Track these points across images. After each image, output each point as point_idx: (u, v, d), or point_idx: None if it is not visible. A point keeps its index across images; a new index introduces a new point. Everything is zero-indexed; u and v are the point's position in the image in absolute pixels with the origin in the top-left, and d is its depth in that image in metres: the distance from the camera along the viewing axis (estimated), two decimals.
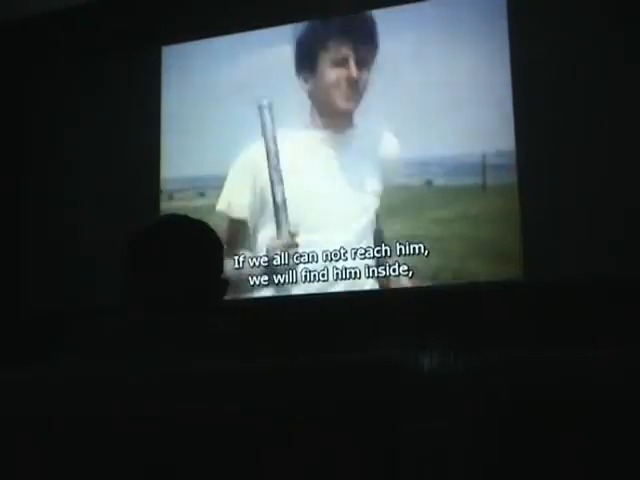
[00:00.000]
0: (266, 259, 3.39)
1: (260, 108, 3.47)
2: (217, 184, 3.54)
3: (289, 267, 3.35)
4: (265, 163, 3.45)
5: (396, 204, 3.29)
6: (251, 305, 3.40)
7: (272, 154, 3.43)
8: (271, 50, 3.57)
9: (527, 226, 3.06)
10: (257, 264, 3.40)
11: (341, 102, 3.40)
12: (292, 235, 3.36)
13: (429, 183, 3.25)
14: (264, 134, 3.45)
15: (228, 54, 3.66)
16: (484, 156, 3.16)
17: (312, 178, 3.40)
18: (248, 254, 3.42)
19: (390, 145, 3.32)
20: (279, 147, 3.43)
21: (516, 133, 3.12)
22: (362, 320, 3.11)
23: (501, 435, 0.82)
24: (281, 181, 3.40)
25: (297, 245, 3.34)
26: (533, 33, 3.19)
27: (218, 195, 3.53)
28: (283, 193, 3.39)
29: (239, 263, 3.44)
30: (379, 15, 3.43)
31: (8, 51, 4.00)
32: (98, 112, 3.89)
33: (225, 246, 1.43)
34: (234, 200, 3.49)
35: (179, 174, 3.66)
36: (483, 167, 3.16)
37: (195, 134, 3.66)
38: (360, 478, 0.85)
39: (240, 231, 3.45)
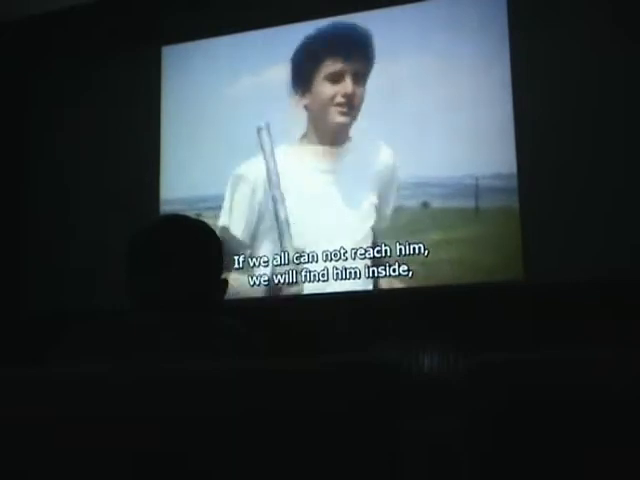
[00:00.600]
0: (266, 278, 3.40)
1: (258, 130, 3.49)
2: (216, 204, 3.56)
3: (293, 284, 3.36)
4: (263, 180, 3.46)
5: (393, 225, 3.28)
6: (251, 305, 3.40)
7: (273, 173, 3.45)
8: (269, 69, 3.58)
9: (527, 233, 3.07)
10: (257, 283, 3.42)
11: (337, 117, 3.41)
12: (297, 255, 3.36)
13: (425, 205, 3.24)
14: (264, 155, 3.47)
15: (228, 57, 3.67)
16: (477, 179, 3.16)
17: (308, 194, 3.40)
18: (243, 276, 3.43)
19: (386, 158, 3.32)
20: (278, 166, 3.45)
21: (516, 137, 3.12)
22: (362, 320, 3.11)
23: (501, 435, 0.82)
24: (283, 200, 3.41)
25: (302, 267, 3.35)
26: (533, 33, 3.19)
27: (215, 215, 3.53)
28: (286, 211, 3.39)
29: (239, 263, 3.45)
30: (379, 15, 3.44)
31: (8, 51, 4.00)
32: (98, 112, 3.89)
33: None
34: (233, 219, 3.49)
35: (178, 187, 3.66)
36: (476, 190, 3.16)
37: (195, 135, 3.66)
38: (361, 478, 0.85)
39: (236, 251, 3.45)
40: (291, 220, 3.39)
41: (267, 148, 3.47)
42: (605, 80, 3.06)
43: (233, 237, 3.45)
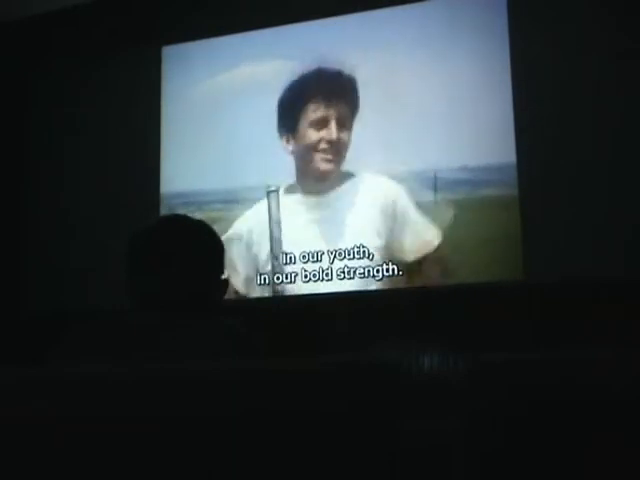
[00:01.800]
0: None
1: (268, 194, 3.45)
2: (217, 198, 3.56)
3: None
4: (258, 233, 3.44)
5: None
6: (251, 305, 3.40)
7: (276, 240, 3.41)
8: (269, 69, 3.56)
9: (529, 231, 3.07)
10: (258, 282, 3.42)
11: (322, 164, 3.37)
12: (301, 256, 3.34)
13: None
14: (269, 219, 3.43)
15: (228, 57, 3.66)
16: (435, 172, 3.18)
17: (295, 242, 3.36)
18: None
19: (386, 192, 3.27)
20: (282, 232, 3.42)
21: (516, 138, 3.12)
22: (362, 320, 3.11)
23: (501, 435, 0.82)
24: (282, 267, 3.37)
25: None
26: (533, 33, 3.19)
27: (213, 210, 3.53)
28: (283, 281, 3.36)
29: None
30: (378, 15, 3.44)
31: (7, 51, 4.00)
32: (98, 112, 3.89)
33: None
34: (233, 275, 3.44)
35: (178, 187, 3.65)
36: (435, 182, 3.18)
37: (195, 135, 3.66)
38: (361, 478, 0.85)
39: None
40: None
41: (274, 213, 3.43)
42: (604, 78, 3.05)
43: (235, 291, 3.42)
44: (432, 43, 3.33)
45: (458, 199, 3.18)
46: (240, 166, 3.54)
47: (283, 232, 3.40)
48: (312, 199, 3.39)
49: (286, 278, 3.37)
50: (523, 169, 3.10)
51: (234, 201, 3.53)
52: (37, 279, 3.84)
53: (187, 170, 3.65)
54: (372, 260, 3.25)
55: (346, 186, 3.34)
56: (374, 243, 3.24)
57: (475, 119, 3.19)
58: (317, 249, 3.32)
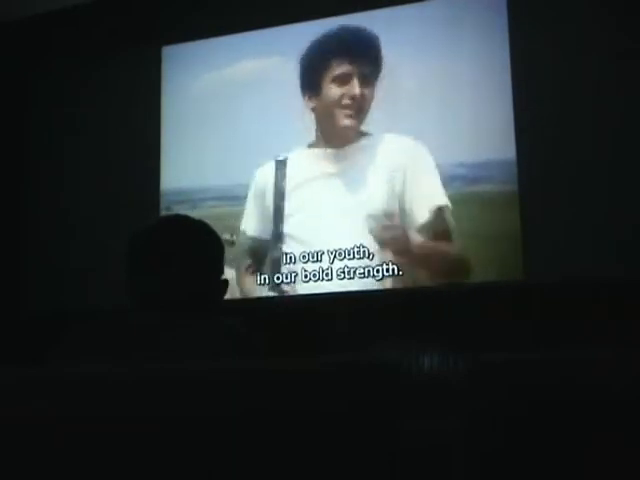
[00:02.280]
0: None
1: (276, 162, 3.45)
2: (214, 195, 3.57)
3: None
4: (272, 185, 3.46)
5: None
6: (251, 305, 3.40)
7: (279, 209, 3.41)
8: (269, 69, 3.57)
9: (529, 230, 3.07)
10: (260, 282, 3.42)
11: (344, 120, 3.37)
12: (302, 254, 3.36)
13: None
14: (274, 189, 3.44)
15: (228, 57, 3.67)
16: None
17: (316, 198, 3.37)
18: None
19: (401, 151, 3.28)
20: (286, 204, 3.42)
21: (516, 138, 3.12)
22: (362, 320, 3.11)
23: (501, 435, 0.82)
24: (281, 239, 3.38)
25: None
26: (533, 33, 3.19)
27: (210, 207, 3.54)
28: (283, 281, 3.36)
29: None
30: (379, 15, 3.44)
31: (7, 51, 4.00)
32: (98, 112, 3.89)
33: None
34: (249, 221, 3.47)
35: (179, 188, 3.65)
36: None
37: (195, 135, 3.66)
38: (361, 478, 0.85)
39: (261, 249, 3.44)
40: (295, 224, 3.37)
41: (279, 183, 3.44)
42: (604, 78, 3.05)
43: (251, 238, 3.44)
44: (432, 43, 3.33)
45: (460, 197, 3.18)
46: (240, 166, 3.54)
47: (301, 188, 3.40)
48: (332, 152, 3.38)
49: (286, 278, 3.37)
50: (523, 169, 3.10)
51: (236, 197, 3.53)
52: (37, 279, 3.84)
53: (187, 170, 3.65)
54: (372, 260, 3.25)
55: (363, 144, 3.34)
56: (384, 206, 3.24)
57: (475, 119, 3.19)
58: (332, 203, 3.32)
